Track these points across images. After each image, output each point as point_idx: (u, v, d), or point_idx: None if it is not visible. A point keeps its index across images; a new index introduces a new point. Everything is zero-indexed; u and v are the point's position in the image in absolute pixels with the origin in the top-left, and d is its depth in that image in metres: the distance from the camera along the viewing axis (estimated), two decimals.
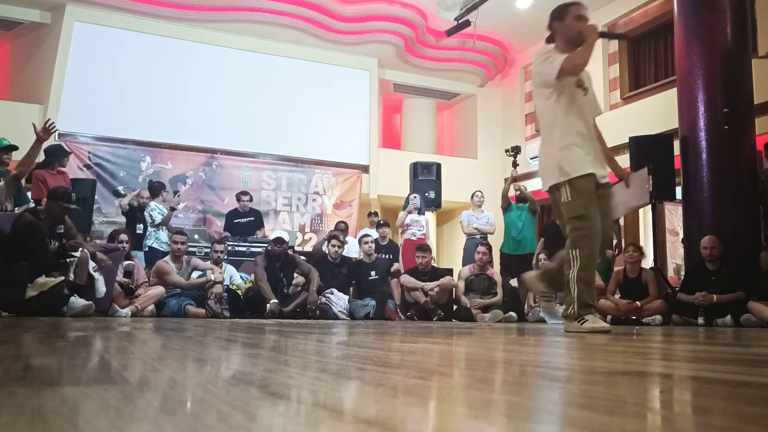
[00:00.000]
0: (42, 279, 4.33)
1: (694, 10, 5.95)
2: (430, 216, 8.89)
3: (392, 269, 6.78)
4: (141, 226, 6.85)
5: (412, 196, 7.93)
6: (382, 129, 11.48)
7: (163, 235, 6.82)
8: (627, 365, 1.30)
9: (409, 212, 7.71)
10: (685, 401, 0.79)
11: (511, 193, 7.67)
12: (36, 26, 9.26)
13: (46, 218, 4.78)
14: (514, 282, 6.81)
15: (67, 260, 4.70)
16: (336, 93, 10.58)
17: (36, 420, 0.59)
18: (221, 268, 6.15)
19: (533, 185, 10.39)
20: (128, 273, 5.59)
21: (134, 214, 7.06)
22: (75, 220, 5.10)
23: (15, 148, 5.06)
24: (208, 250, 6.61)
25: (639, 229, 9.14)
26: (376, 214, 8.73)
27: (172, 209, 6.99)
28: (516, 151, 7.91)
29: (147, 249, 6.74)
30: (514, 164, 7.83)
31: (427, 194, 8.37)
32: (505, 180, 7.86)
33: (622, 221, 7.55)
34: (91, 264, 4.88)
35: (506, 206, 7.57)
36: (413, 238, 7.54)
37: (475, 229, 7.69)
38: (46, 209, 4.89)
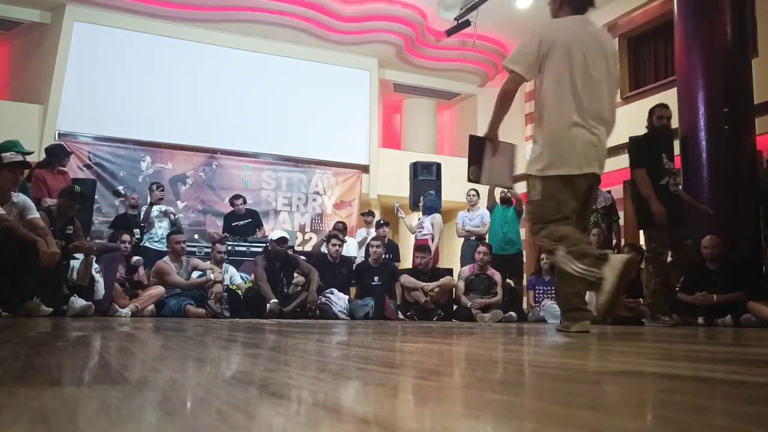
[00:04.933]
0: (31, 303, 4.23)
1: (694, 10, 5.95)
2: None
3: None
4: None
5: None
6: (382, 129, 11.48)
7: (156, 234, 6.89)
8: (627, 365, 1.30)
9: (402, 217, 8.26)
10: (685, 401, 0.79)
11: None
12: (36, 26, 9.26)
13: (59, 217, 4.81)
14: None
15: (70, 261, 4.70)
16: (336, 93, 10.58)
17: (36, 420, 0.58)
18: (221, 267, 6.14)
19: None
20: (135, 268, 5.63)
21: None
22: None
23: (27, 165, 4.63)
24: (209, 250, 6.59)
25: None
26: (371, 213, 8.73)
27: (151, 204, 7.02)
28: None
29: (141, 249, 6.73)
30: None
31: (427, 194, 8.39)
32: None
33: (621, 221, 7.53)
34: (95, 266, 4.89)
35: (491, 206, 7.61)
36: (414, 241, 7.72)
37: (467, 231, 7.73)
38: (57, 207, 4.92)
